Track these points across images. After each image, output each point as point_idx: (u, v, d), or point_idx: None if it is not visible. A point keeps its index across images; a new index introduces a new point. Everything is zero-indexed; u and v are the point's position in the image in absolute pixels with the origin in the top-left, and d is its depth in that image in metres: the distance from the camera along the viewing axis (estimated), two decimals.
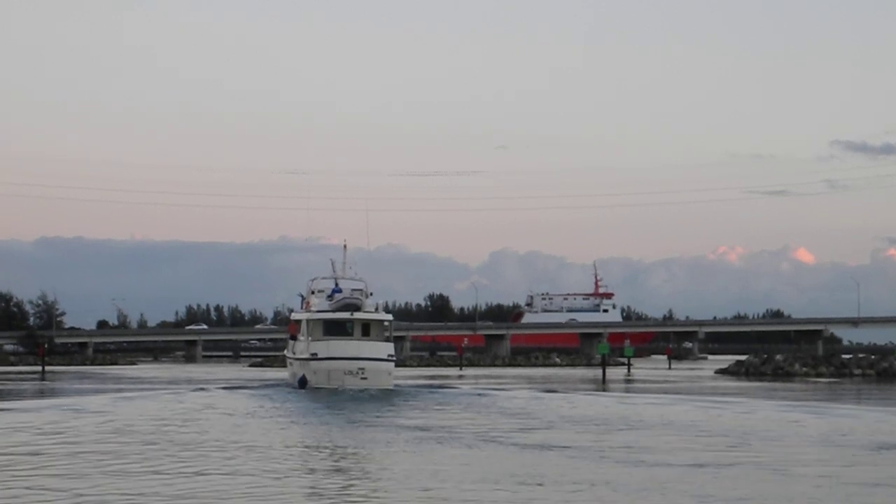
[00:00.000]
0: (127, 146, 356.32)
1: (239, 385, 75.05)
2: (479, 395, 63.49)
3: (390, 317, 71.17)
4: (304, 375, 67.10)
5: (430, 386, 72.44)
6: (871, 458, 31.74)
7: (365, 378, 65.06)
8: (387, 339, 68.48)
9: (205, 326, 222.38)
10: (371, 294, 72.74)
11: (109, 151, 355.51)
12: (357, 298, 70.06)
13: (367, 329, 68.50)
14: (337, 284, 73.26)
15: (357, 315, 68.25)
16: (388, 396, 59.17)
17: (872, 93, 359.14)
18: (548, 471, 28.25)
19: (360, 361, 65.76)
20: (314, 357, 66.78)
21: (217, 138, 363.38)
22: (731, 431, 39.51)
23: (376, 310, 70.46)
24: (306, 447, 34.69)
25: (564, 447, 33.56)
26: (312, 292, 74.42)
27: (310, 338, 67.90)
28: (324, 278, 75.28)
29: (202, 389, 68.61)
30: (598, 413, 48.80)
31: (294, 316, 76.65)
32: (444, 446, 34.08)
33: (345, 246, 76.43)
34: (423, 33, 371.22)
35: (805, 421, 44.88)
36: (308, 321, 69.11)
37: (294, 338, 72.45)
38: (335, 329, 67.95)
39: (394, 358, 68.52)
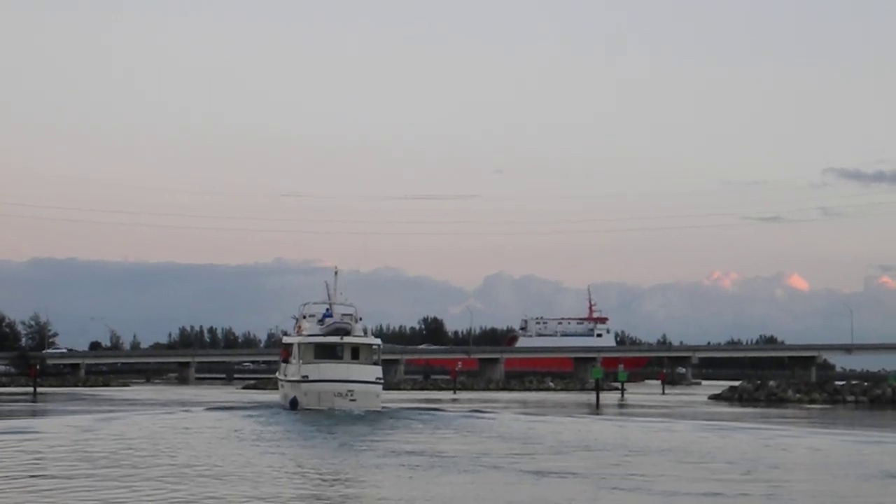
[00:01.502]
0: (121, 167, 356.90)
1: (227, 406, 75.78)
2: (466, 417, 64.27)
3: (379, 341, 73.05)
4: (294, 397, 68.62)
5: (419, 409, 73.47)
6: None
7: (354, 400, 67.04)
8: (375, 363, 70.32)
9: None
10: (361, 319, 74.99)
11: (103, 172, 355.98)
12: (347, 323, 71.93)
13: (356, 353, 70.45)
14: (328, 310, 74.88)
15: (347, 339, 70.19)
16: (374, 418, 60.14)
17: (865, 121, 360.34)
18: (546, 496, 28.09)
19: (350, 384, 67.71)
20: (305, 379, 68.61)
21: (212, 160, 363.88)
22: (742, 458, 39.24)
23: (365, 334, 72.42)
24: (278, 471, 33.96)
25: (564, 473, 33.36)
26: (304, 317, 76.56)
27: (301, 361, 69.62)
28: (315, 303, 77.40)
29: (186, 411, 69.35)
30: (595, 437, 48.64)
31: (285, 340, 78.41)
32: (434, 471, 33.81)
33: (336, 272, 78.38)
34: (420, 58, 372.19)
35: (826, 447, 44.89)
36: (299, 345, 71.00)
37: (286, 361, 74.13)
38: (326, 352, 69.97)
39: (382, 381, 70.49)
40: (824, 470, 35.66)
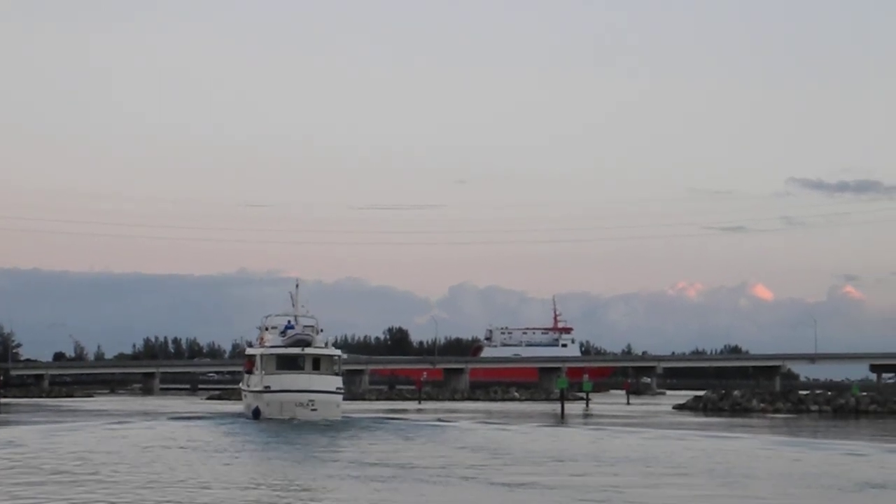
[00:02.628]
0: (85, 177, 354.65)
1: (190, 416, 76.47)
2: (432, 426, 65.30)
3: (339, 352, 75.35)
4: (257, 407, 70.35)
5: (379, 418, 75.03)
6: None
7: (315, 409, 68.57)
8: (335, 373, 72.27)
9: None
10: (322, 330, 78.04)
11: (67, 182, 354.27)
12: (308, 335, 74.11)
13: (317, 363, 72.27)
14: (290, 321, 77.39)
15: (308, 350, 72.04)
16: (334, 427, 61.41)
17: (828, 131, 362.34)
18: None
19: (311, 394, 69.17)
20: (267, 389, 70.13)
21: (177, 171, 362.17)
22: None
23: (326, 345, 74.68)
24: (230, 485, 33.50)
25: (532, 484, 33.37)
26: (266, 329, 79.06)
27: (263, 371, 71.57)
28: (277, 315, 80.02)
29: (146, 420, 70.60)
30: (556, 448, 48.68)
31: (248, 351, 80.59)
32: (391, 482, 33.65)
33: (297, 285, 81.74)
34: (383, 67, 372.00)
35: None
36: (262, 356, 72.98)
37: (250, 372, 75.84)
38: (287, 363, 71.73)
39: (342, 391, 72.29)
40: (800, 480, 35.75)
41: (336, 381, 71.11)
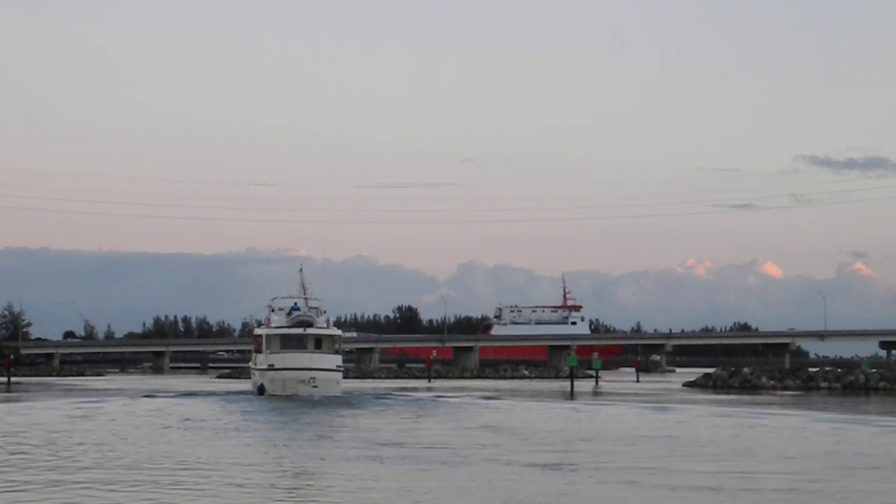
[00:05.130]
0: (94, 157, 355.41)
1: (194, 392, 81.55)
2: (429, 401, 69.65)
3: (340, 332, 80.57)
4: (262, 384, 75.05)
5: (376, 395, 79.32)
6: None
7: (316, 386, 72.93)
8: (336, 352, 76.83)
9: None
10: (325, 312, 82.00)
11: (77, 162, 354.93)
12: (310, 316, 78.43)
13: (319, 343, 76.48)
14: (296, 303, 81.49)
15: (310, 331, 76.31)
16: (333, 403, 65.53)
17: (835, 109, 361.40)
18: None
19: (312, 372, 73.68)
20: (271, 368, 74.70)
21: (186, 150, 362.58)
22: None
23: (328, 325, 79.00)
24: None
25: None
26: (273, 310, 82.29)
27: (268, 351, 75.96)
28: (283, 298, 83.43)
29: (151, 397, 74.39)
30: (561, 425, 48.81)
31: (256, 332, 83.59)
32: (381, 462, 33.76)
33: (300, 269, 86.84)
34: (390, 47, 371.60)
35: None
36: (267, 336, 77.27)
37: (259, 351, 79.63)
38: (291, 343, 76.00)
39: (342, 368, 77.33)
40: (833, 459, 35.41)
41: (336, 360, 75.64)
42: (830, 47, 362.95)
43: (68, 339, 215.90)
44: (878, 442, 41.95)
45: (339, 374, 76.21)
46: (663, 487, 27.48)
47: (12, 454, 34.27)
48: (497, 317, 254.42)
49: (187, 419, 50.52)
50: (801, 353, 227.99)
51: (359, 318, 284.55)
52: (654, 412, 60.49)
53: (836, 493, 26.94)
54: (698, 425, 49.63)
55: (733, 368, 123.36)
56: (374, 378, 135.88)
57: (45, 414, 55.45)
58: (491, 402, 72.95)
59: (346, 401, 68.00)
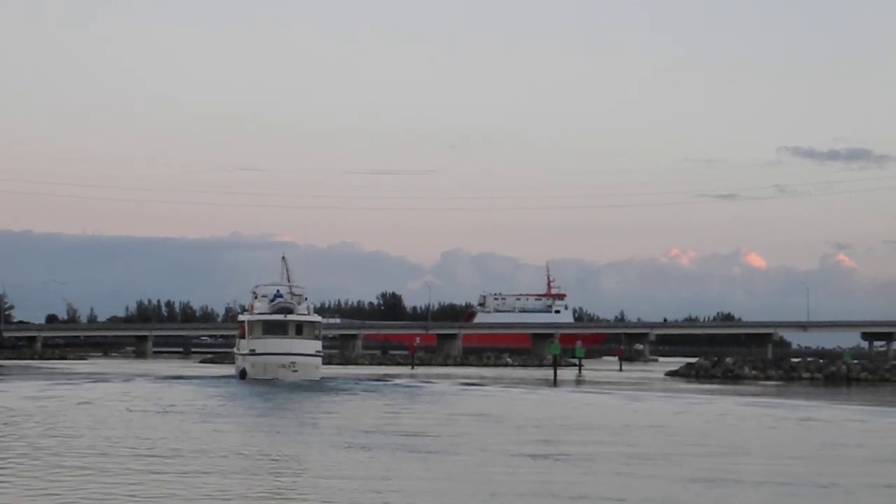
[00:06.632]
0: (78, 140, 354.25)
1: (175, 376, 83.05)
2: (407, 387, 71.68)
3: (320, 318, 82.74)
4: (244, 368, 76.92)
5: (358, 379, 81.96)
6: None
7: (296, 371, 74.90)
8: (316, 338, 79.01)
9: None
10: (306, 299, 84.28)
11: (60, 145, 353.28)
12: (290, 303, 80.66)
13: (300, 329, 78.51)
14: (278, 290, 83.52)
15: (291, 317, 78.36)
16: (314, 387, 67.61)
17: (820, 101, 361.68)
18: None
19: (292, 357, 75.63)
20: (253, 353, 76.68)
21: (170, 134, 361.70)
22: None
23: (308, 312, 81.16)
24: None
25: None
26: (256, 297, 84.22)
27: (251, 336, 77.53)
28: (266, 285, 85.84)
29: (128, 381, 75.28)
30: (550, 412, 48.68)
31: (239, 318, 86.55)
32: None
33: (283, 257, 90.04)
34: (376, 33, 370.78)
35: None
36: (249, 322, 79.23)
37: (243, 337, 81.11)
38: (273, 329, 77.67)
39: (321, 354, 79.59)
40: (830, 449, 35.32)
41: (316, 345, 77.87)
42: (815, 40, 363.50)
43: (51, 323, 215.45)
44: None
45: (319, 360, 78.10)
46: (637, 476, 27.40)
47: None
48: (481, 304, 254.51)
49: (172, 404, 50.17)
50: (783, 344, 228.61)
51: (343, 304, 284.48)
52: (627, 400, 60.75)
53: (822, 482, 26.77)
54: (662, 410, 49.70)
55: (716, 358, 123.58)
56: (357, 364, 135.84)
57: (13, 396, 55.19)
58: (472, 388, 73.50)
59: (324, 385, 69.38)
